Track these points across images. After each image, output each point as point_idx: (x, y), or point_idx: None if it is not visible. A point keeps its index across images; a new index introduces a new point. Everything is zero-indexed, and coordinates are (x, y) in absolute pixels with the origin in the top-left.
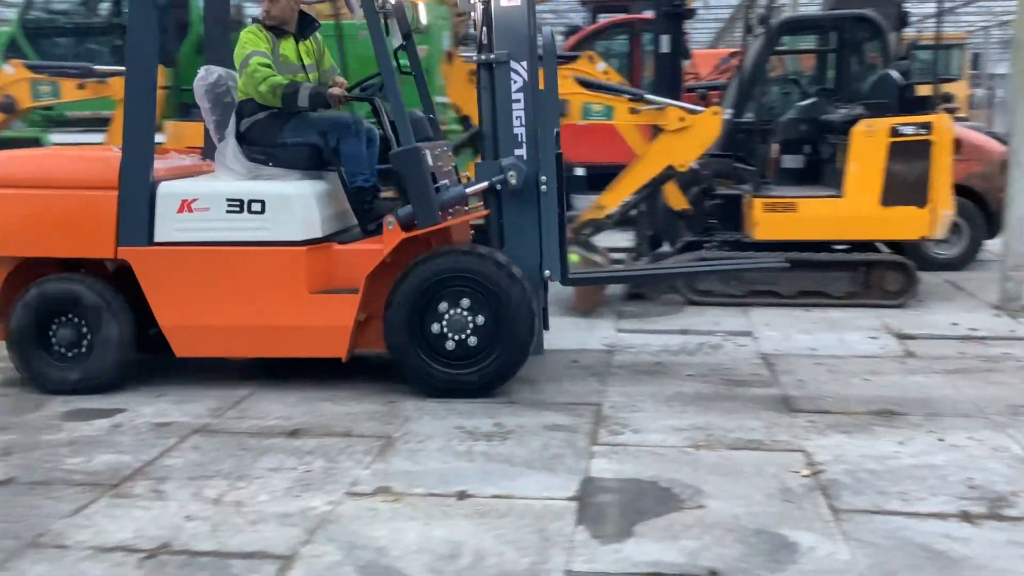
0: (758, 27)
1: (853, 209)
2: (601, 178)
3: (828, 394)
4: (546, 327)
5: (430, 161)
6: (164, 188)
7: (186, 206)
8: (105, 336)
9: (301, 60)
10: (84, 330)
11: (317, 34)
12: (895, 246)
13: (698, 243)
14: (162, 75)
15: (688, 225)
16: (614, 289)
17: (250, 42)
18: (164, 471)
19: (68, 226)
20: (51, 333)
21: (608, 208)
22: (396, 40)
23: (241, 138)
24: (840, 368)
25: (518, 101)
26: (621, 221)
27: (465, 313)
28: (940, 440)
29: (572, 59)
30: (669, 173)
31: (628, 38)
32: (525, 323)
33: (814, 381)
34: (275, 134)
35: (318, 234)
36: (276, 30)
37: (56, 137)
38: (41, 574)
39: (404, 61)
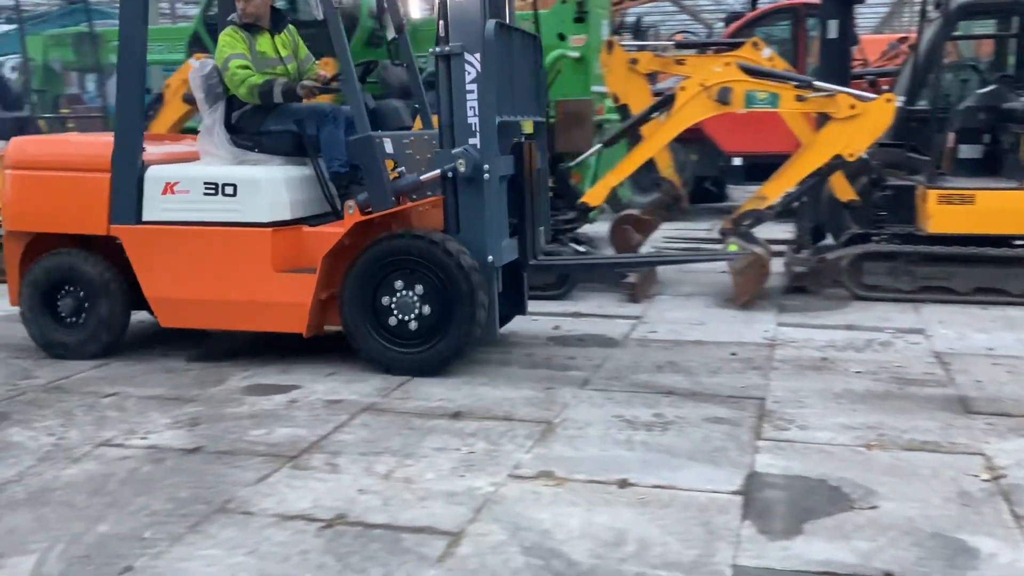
0: (933, 11)
1: None
2: (759, 168)
3: (1008, 396)
4: (522, 312)
5: (389, 149)
6: (151, 172)
7: (169, 188)
8: (101, 305)
9: (278, 53)
10: (83, 300)
11: (291, 26)
12: None
13: (866, 236)
14: None
15: (855, 217)
16: (774, 281)
17: (227, 45)
18: (337, 446)
19: (68, 205)
20: (57, 302)
21: (770, 199)
22: (390, 33)
23: (231, 127)
24: (1020, 369)
25: (471, 92)
26: (783, 212)
27: (413, 295)
28: None
29: (735, 46)
30: (837, 163)
31: (791, 24)
32: (470, 307)
33: (993, 382)
34: (260, 122)
35: (286, 216)
36: (251, 27)
37: None
38: (230, 537)
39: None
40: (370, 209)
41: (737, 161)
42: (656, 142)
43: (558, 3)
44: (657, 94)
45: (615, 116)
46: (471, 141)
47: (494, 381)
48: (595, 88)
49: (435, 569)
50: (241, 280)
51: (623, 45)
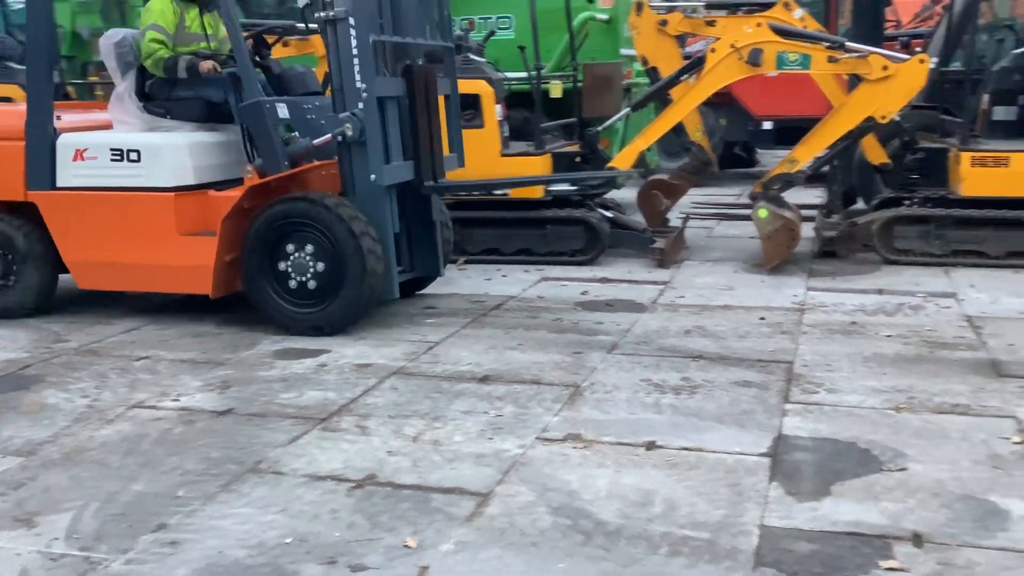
0: None
1: None
2: (790, 131)
3: None
4: (439, 273)
5: (283, 114)
6: (63, 139)
7: (79, 155)
8: (28, 269)
9: (205, 30)
10: (11, 263)
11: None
12: None
13: (897, 199)
14: None
15: (886, 180)
16: (803, 247)
17: (155, 12)
18: (367, 409)
19: None
20: None
21: (801, 162)
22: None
23: (143, 95)
24: None
25: (356, 56)
26: (813, 176)
27: (307, 257)
28: None
29: (767, 6)
30: (869, 125)
31: None
32: (357, 263)
33: None
34: (170, 89)
35: (190, 181)
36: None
37: None
38: (261, 496)
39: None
40: (265, 173)
41: (767, 125)
42: (685, 105)
43: None
44: (687, 58)
45: (644, 80)
46: (359, 105)
47: (523, 346)
48: (624, 51)
49: (464, 528)
50: (148, 244)
51: (652, 6)
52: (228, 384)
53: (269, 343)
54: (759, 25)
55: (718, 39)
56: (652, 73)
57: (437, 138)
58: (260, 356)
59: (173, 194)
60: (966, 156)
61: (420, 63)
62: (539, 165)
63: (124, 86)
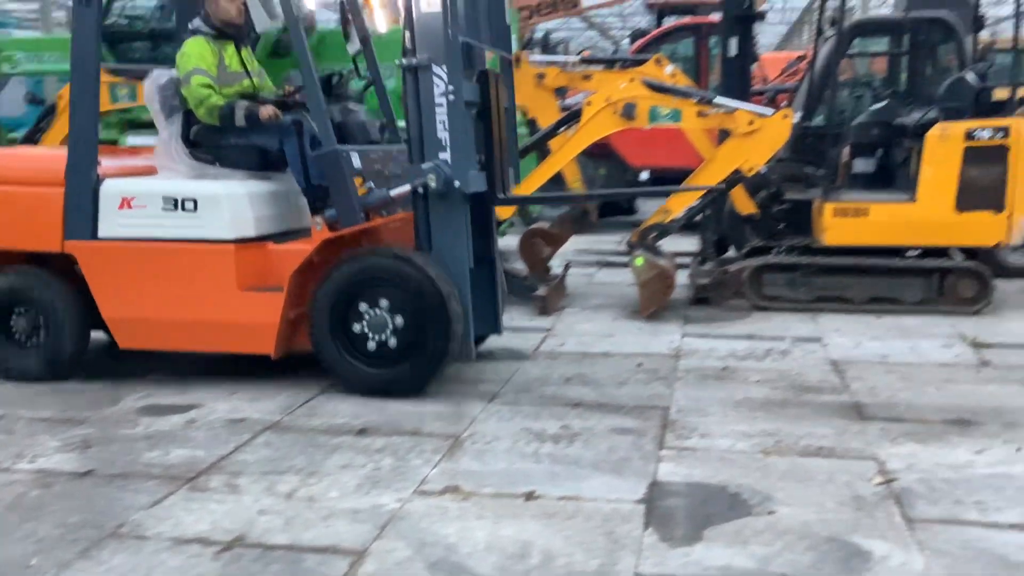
0: (829, 29)
1: (927, 214)
2: (667, 181)
3: (901, 402)
4: (497, 332)
5: (357, 164)
6: (107, 186)
7: (126, 203)
8: (57, 327)
9: (244, 66)
10: (39, 320)
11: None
12: (969, 252)
13: (766, 248)
14: None
15: (755, 230)
16: (680, 293)
17: (194, 55)
18: (238, 466)
19: (19, 221)
20: (11, 322)
21: (674, 212)
22: (354, 46)
23: (189, 140)
24: (913, 376)
25: (440, 105)
26: (687, 226)
27: (384, 313)
28: (1018, 450)
29: (640, 63)
30: (737, 177)
31: (694, 41)
32: (443, 326)
33: (886, 388)
34: (220, 136)
35: (250, 233)
36: (219, 35)
37: (132, 139)
38: (121, 564)
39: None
40: (338, 225)
41: (644, 175)
42: (563, 156)
43: None
44: (565, 109)
45: (524, 130)
46: (441, 156)
47: (403, 397)
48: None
49: None
50: (204, 299)
51: (531, 61)
52: (89, 444)
53: (134, 399)
54: (633, 80)
55: (594, 93)
56: (532, 124)
57: (505, 149)
58: (124, 413)
59: (234, 246)
60: (828, 207)
61: (490, 69)
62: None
63: (169, 131)
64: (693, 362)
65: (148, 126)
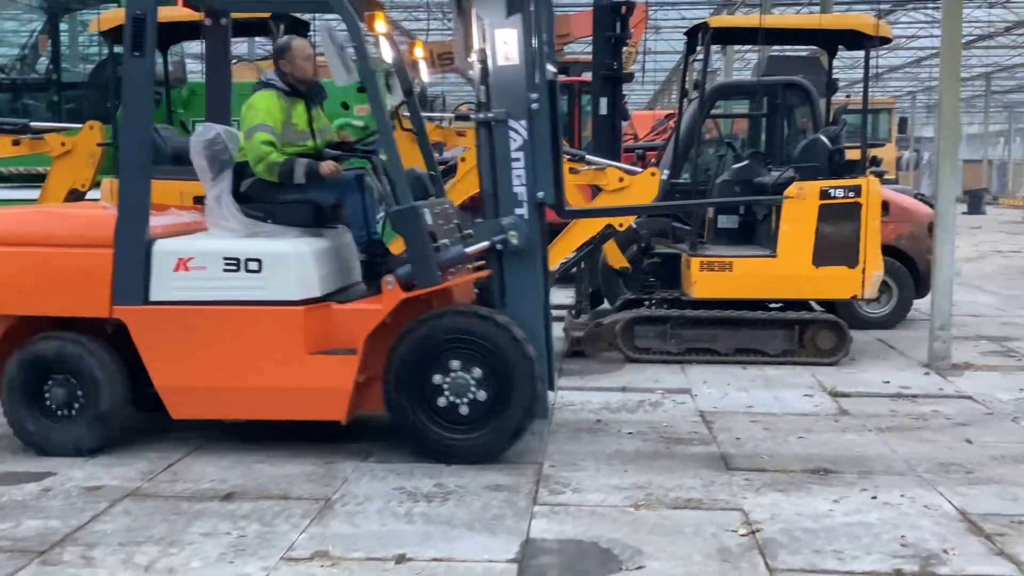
0: (693, 91)
1: (786, 269)
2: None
3: (764, 452)
4: (552, 387)
5: (429, 220)
6: (160, 246)
7: (182, 264)
8: (97, 397)
9: (311, 125)
10: (77, 390)
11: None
12: (828, 305)
13: (637, 300)
14: (100, 132)
15: (627, 283)
16: (555, 346)
17: (262, 110)
18: (94, 537)
19: (62, 284)
20: (45, 392)
21: (549, 266)
22: (397, 98)
23: (239, 195)
24: (776, 426)
25: (517, 160)
26: (562, 279)
27: (466, 376)
28: (873, 498)
29: None
30: (608, 232)
31: (567, 100)
32: (527, 386)
33: (751, 439)
34: (275, 192)
35: (316, 293)
36: (291, 92)
37: None
38: None
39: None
40: (414, 284)
41: None
42: None
43: None
44: (443, 163)
45: None
46: (518, 212)
47: (271, 457)
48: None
49: None
50: (269, 364)
51: (406, 116)
52: None
53: None
54: None
55: (467, 149)
56: None
57: (561, 160)
58: None
59: (303, 308)
60: (695, 261)
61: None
62: None
63: (220, 187)
64: (568, 415)
65: (6, 180)
